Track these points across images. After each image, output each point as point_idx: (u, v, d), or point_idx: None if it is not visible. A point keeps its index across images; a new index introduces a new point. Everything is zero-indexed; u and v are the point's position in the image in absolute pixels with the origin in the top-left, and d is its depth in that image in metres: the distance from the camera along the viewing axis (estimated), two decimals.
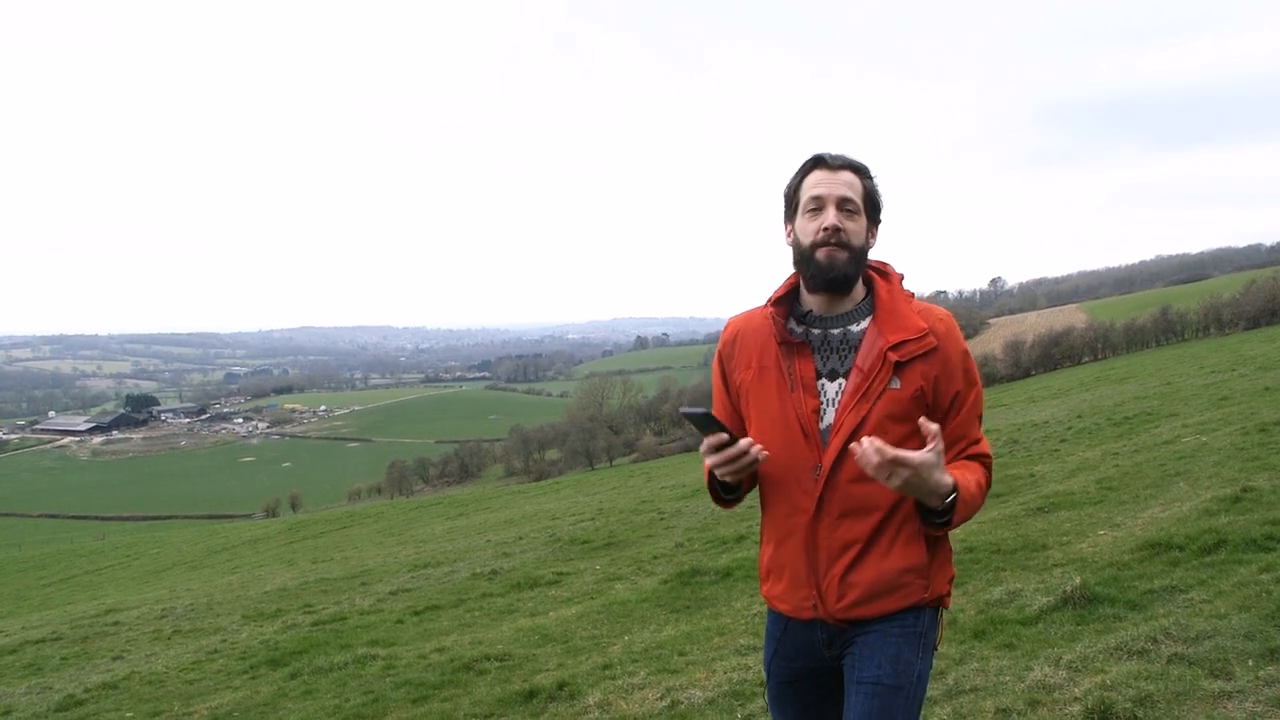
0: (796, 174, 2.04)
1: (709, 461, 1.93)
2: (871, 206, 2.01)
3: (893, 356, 1.92)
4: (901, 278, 2.07)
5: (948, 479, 1.82)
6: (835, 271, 1.95)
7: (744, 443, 1.89)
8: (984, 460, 1.99)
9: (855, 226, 1.96)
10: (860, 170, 2.00)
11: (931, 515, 1.88)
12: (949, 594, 2.03)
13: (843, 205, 1.95)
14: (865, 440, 1.79)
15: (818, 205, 1.96)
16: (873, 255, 2.07)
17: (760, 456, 1.90)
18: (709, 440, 1.90)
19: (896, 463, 1.76)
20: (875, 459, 1.76)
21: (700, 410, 1.87)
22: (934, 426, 1.80)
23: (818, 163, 2.00)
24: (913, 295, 2.04)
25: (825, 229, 1.94)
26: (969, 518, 1.93)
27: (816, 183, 1.98)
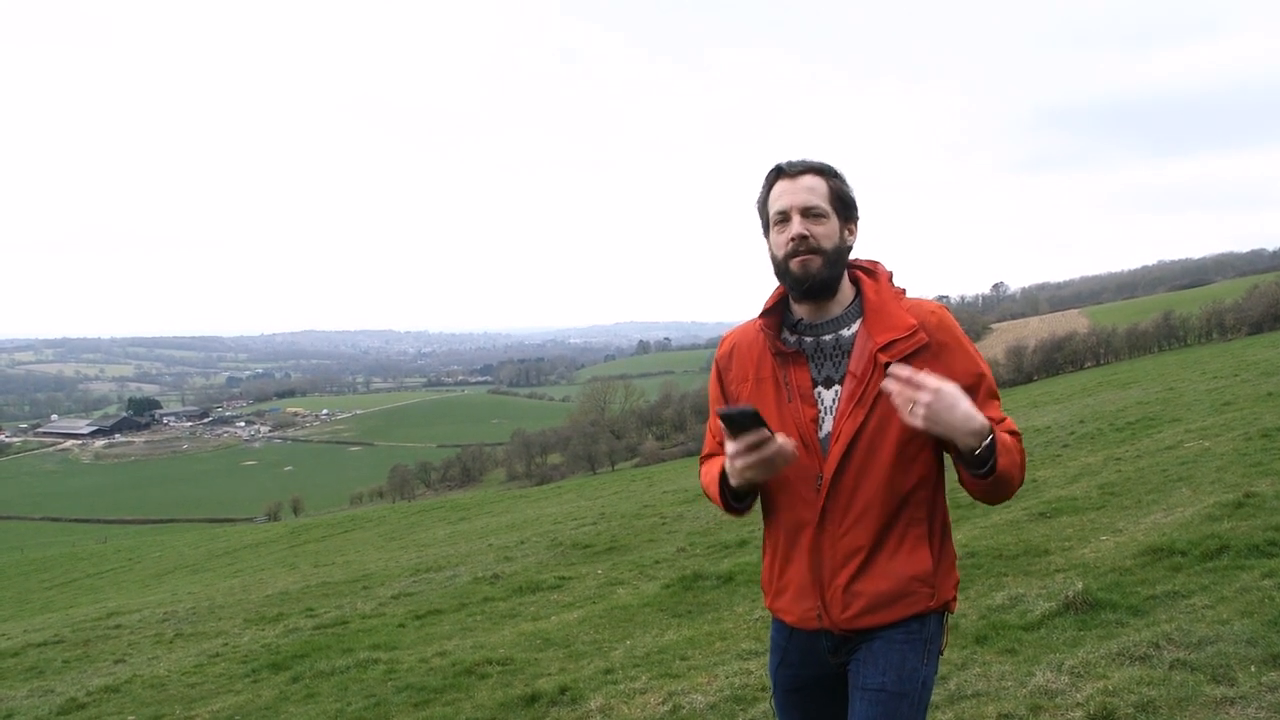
0: (762, 188, 2.03)
1: (742, 463, 1.84)
2: (842, 205, 1.98)
3: (883, 358, 1.89)
4: (890, 275, 2.04)
5: (979, 415, 1.77)
6: (810, 280, 1.94)
7: (780, 439, 1.84)
8: (1012, 433, 1.92)
9: (824, 230, 1.94)
10: (823, 171, 1.97)
11: (972, 464, 1.81)
12: (955, 599, 2.00)
13: (808, 212, 1.93)
14: (892, 367, 1.84)
15: (783, 217, 1.96)
16: (863, 254, 2.07)
17: (792, 453, 1.85)
18: (747, 439, 1.82)
19: (914, 385, 1.75)
20: (895, 385, 1.78)
21: (748, 409, 1.81)
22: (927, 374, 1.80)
23: (779, 173, 1.98)
24: (903, 292, 2.01)
25: (792, 239, 1.93)
26: (1014, 474, 1.84)
27: (780, 194, 1.97)
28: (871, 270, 2.05)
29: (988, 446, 1.78)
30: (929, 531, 1.95)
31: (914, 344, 1.90)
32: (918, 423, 1.76)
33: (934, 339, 1.92)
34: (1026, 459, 1.92)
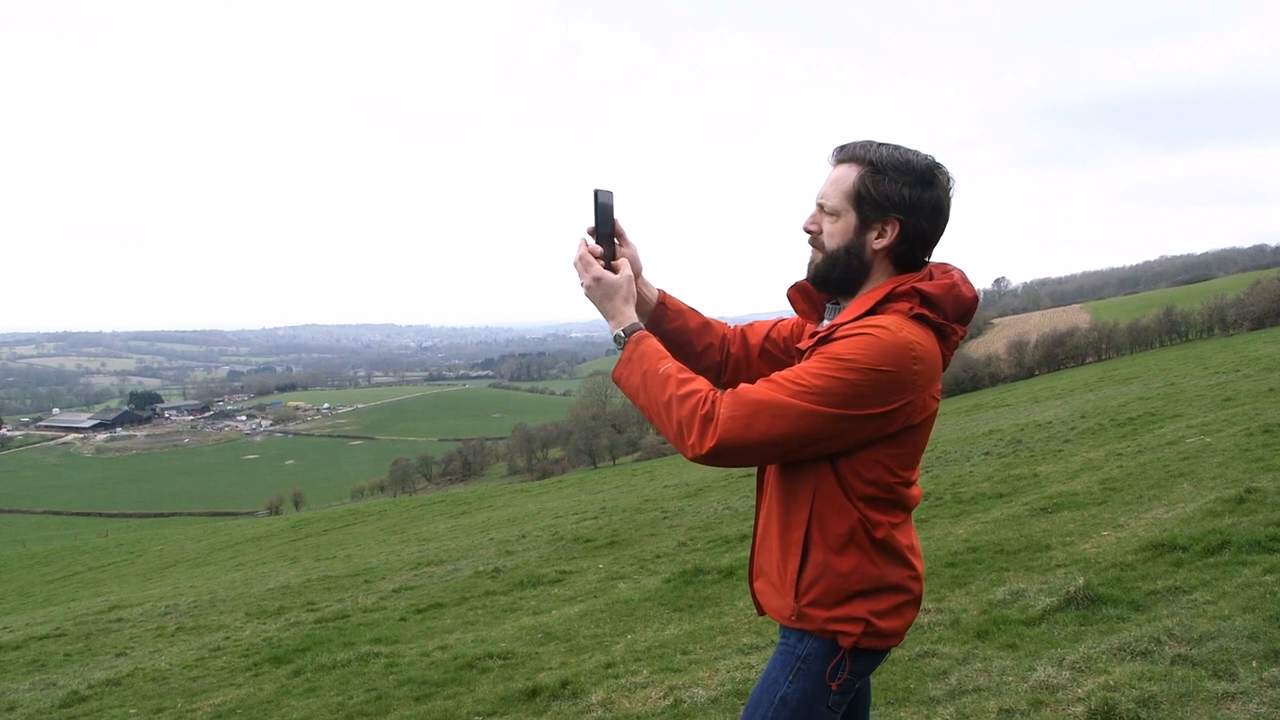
0: None
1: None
2: (866, 204, 1.78)
3: (801, 345, 1.87)
4: (913, 291, 1.77)
5: (625, 316, 1.91)
6: (809, 273, 1.91)
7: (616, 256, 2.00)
8: (727, 393, 1.71)
9: (829, 228, 1.83)
10: (861, 161, 1.79)
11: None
12: (860, 634, 1.79)
13: (822, 206, 1.85)
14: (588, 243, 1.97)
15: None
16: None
17: (610, 273, 1.95)
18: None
19: (584, 264, 1.94)
20: (575, 256, 1.96)
21: (608, 190, 2.01)
22: (623, 260, 1.98)
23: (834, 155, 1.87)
24: (910, 306, 1.76)
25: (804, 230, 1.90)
26: (634, 384, 1.83)
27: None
28: (904, 278, 1.83)
29: (618, 342, 1.91)
30: (804, 544, 1.81)
31: (814, 341, 1.81)
32: (585, 295, 1.95)
33: (838, 333, 1.75)
34: (713, 414, 1.68)
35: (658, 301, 2.13)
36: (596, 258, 1.96)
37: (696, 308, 2.20)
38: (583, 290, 1.96)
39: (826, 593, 1.79)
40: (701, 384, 1.75)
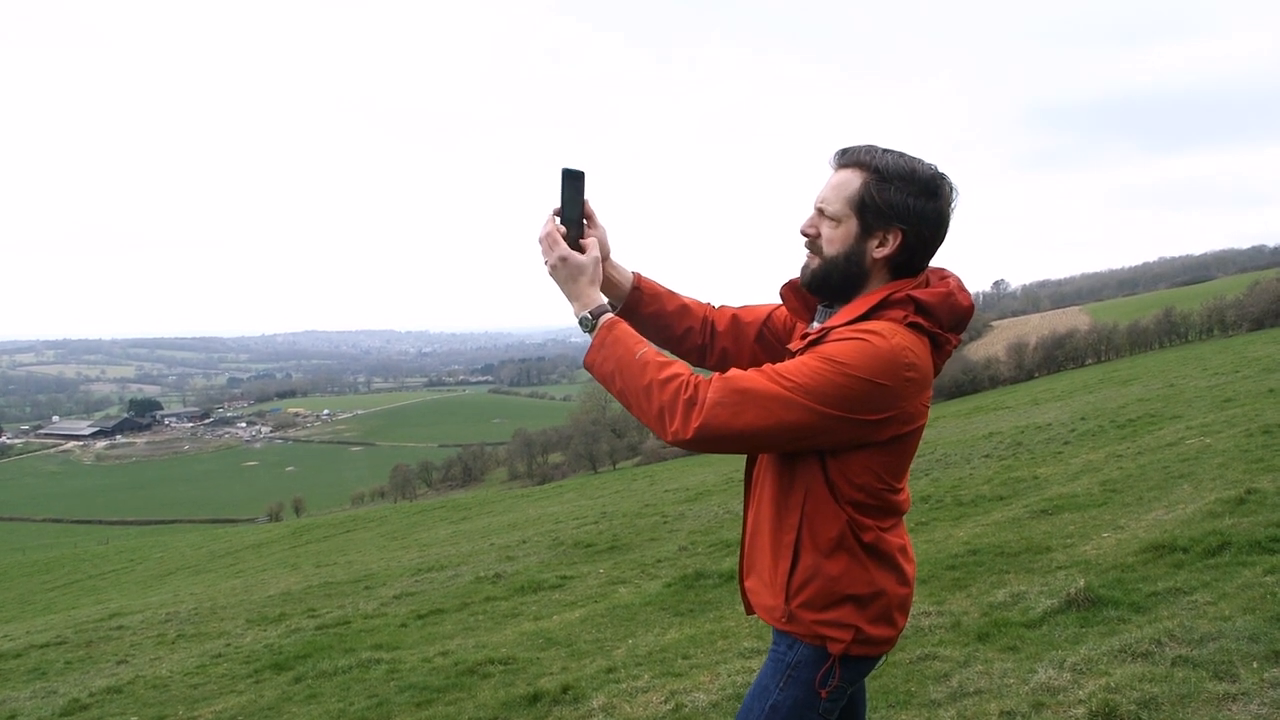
0: None
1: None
2: (869, 211, 1.75)
3: (793, 346, 1.85)
4: (906, 297, 1.76)
5: (590, 299, 1.87)
6: (803, 278, 1.87)
7: (585, 241, 1.94)
8: (715, 378, 1.68)
9: (829, 234, 1.79)
10: (866, 167, 1.75)
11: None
12: (849, 641, 1.78)
13: (821, 210, 1.81)
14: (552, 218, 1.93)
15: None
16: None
17: (575, 254, 1.90)
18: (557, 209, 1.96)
19: (550, 243, 1.89)
20: (542, 231, 1.91)
21: (579, 169, 1.95)
22: (591, 241, 1.92)
23: (835, 158, 1.84)
24: (905, 313, 1.74)
25: (801, 232, 1.86)
26: (608, 370, 1.78)
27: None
28: (899, 284, 1.80)
29: (585, 325, 1.86)
30: (795, 548, 1.80)
31: (808, 341, 1.80)
32: (549, 274, 1.92)
33: (831, 336, 1.75)
34: (696, 398, 1.66)
35: (632, 285, 2.07)
36: (562, 236, 1.93)
37: (673, 289, 2.14)
38: (546, 269, 1.91)
39: (817, 595, 1.79)
40: (681, 367, 1.73)
